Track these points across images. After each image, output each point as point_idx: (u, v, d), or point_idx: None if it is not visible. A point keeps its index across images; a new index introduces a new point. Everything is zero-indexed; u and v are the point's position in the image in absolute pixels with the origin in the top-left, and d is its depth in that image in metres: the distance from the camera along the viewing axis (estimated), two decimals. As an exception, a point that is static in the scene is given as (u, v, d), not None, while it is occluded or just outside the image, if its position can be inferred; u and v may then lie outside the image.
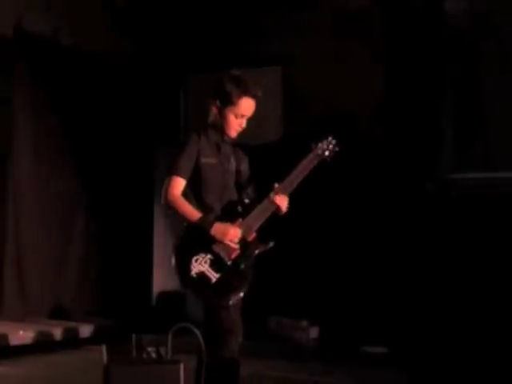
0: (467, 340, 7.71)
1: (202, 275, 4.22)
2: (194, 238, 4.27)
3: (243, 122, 4.44)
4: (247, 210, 4.38)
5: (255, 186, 4.61)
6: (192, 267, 4.22)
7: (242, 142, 4.60)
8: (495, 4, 8.38)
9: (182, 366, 4.02)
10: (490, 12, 8.42)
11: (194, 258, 4.24)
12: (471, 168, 8.48)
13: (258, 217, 4.36)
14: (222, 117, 4.42)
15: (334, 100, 8.88)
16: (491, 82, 8.47)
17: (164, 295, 9.20)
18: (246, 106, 4.41)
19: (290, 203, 4.40)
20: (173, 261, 4.28)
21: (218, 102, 4.41)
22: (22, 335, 7.67)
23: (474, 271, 7.96)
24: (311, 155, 4.45)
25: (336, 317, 8.48)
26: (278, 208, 4.36)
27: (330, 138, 4.51)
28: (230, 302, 4.25)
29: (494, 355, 7.38)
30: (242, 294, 4.30)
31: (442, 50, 8.58)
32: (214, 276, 4.23)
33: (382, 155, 8.57)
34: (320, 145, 4.48)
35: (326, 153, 4.47)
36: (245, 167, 4.59)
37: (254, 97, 4.41)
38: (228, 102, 4.39)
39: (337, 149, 4.50)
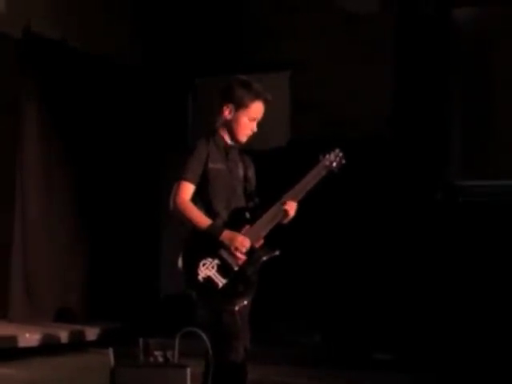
0: (473, 344, 7.72)
1: (208, 280, 4.22)
2: (202, 242, 4.27)
3: (255, 126, 4.46)
4: (255, 216, 4.38)
5: (258, 192, 4.61)
6: (199, 271, 4.22)
7: (249, 148, 4.60)
8: (503, 12, 8.41)
9: (188, 370, 4.03)
10: (499, 20, 8.44)
11: (202, 262, 4.24)
12: (478, 175, 8.49)
13: (266, 224, 4.36)
14: (235, 120, 4.44)
15: (342, 105, 8.89)
16: (499, 90, 8.48)
17: (171, 299, 9.20)
18: (258, 109, 4.44)
19: (298, 209, 4.39)
20: (180, 263, 4.29)
21: (231, 106, 4.42)
22: (28, 338, 7.66)
23: (481, 276, 7.97)
24: (319, 166, 4.46)
25: (343, 323, 8.48)
26: (286, 212, 4.36)
27: (337, 151, 4.53)
28: (236, 308, 4.26)
29: (501, 360, 7.38)
30: (248, 300, 4.30)
31: (451, 58, 8.59)
32: (220, 281, 4.23)
33: (391, 162, 8.57)
34: (328, 156, 4.49)
35: (334, 164, 4.48)
36: (252, 174, 4.59)
37: (264, 101, 4.45)
38: (241, 105, 4.40)
39: (343, 161, 4.50)
